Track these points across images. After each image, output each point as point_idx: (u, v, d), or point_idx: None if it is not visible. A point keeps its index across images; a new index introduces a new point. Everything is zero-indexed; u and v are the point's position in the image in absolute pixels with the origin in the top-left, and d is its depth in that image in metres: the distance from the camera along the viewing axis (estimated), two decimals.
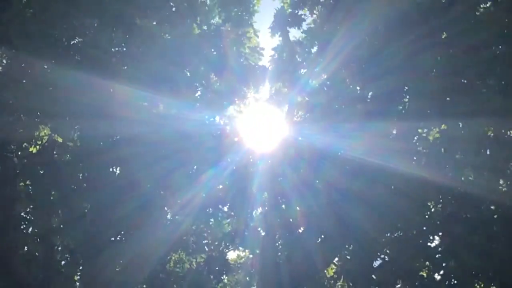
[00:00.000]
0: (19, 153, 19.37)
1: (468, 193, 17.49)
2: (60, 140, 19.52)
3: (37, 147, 19.43)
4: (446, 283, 17.29)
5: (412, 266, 17.72)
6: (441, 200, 18.40)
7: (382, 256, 18.45)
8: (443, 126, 18.57)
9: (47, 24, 17.63)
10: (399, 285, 18.02)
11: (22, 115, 18.42)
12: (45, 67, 18.12)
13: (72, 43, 18.35)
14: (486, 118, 17.47)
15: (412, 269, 17.71)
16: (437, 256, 17.70)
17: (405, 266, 17.71)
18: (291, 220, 19.23)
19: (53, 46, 17.80)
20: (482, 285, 17.16)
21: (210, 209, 20.02)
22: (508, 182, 18.10)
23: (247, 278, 20.46)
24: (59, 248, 18.95)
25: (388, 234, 18.07)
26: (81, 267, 18.95)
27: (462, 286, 17.10)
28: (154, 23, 18.95)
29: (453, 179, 17.80)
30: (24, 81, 18.28)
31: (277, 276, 18.58)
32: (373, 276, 18.14)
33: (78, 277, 19.24)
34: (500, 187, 18.15)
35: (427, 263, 17.80)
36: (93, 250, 18.26)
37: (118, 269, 18.37)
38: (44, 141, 19.52)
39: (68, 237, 19.05)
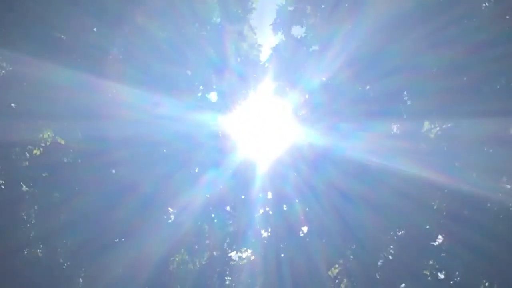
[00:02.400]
0: (23, 155, 19.01)
1: (471, 193, 17.32)
2: (62, 142, 19.09)
3: (41, 149, 18.97)
4: (451, 282, 17.28)
5: (416, 265, 17.66)
6: (444, 200, 18.12)
7: (386, 255, 18.28)
8: (444, 126, 17.82)
9: (49, 25, 17.53)
10: (403, 285, 17.87)
11: (24, 117, 18.15)
12: (47, 68, 17.58)
13: (73, 44, 18.03)
14: (488, 118, 17.24)
15: (416, 268, 17.65)
16: (441, 255, 17.56)
17: (409, 265, 17.67)
18: (293, 221, 18.63)
19: (54, 47, 17.63)
20: (487, 284, 16.97)
21: (212, 209, 19.84)
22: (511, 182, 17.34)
23: (249, 280, 19.67)
24: (62, 251, 18.19)
25: (392, 233, 17.20)
26: (83, 269, 18.10)
27: (466, 286, 17.06)
28: (155, 23, 18.06)
29: (455, 179, 17.27)
30: (25, 83, 18.06)
31: (280, 277, 18.63)
32: (376, 275, 18.05)
33: (81, 279, 18.76)
34: (503, 187, 17.35)
35: (430, 262, 17.68)
36: (95, 251, 18.31)
37: (120, 270, 17.78)
38: (48, 143, 19.06)
39: (71, 239, 18.77)
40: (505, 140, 17.77)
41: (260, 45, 19.80)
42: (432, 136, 18.47)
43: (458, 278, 16.97)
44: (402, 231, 17.82)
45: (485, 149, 17.68)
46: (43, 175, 18.90)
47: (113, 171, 18.74)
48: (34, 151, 18.84)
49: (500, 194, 17.17)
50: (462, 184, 17.28)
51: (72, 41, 17.95)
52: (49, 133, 18.93)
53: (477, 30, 16.45)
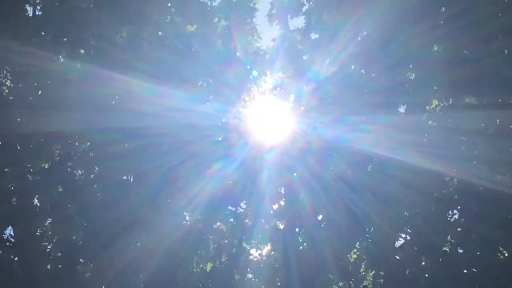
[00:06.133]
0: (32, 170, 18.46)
1: (476, 184, 16.68)
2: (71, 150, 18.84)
3: (49, 163, 18.51)
4: (469, 256, 16.71)
5: (435, 242, 17.14)
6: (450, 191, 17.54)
7: (404, 235, 18.13)
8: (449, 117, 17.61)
9: (57, 18, 17.37)
10: (423, 263, 17.32)
11: (35, 110, 17.50)
12: (55, 61, 17.34)
13: (81, 36, 17.78)
14: (492, 110, 16.91)
15: (434, 245, 17.13)
16: (458, 230, 17.17)
17: (428, 243, 17.16)
18: (305, 212, 18.72)
19: (63, 40, 17.58)
20: (506, 254, 16.51)
21: (226, 205, 19.44)
22: None
23: (271, 273, 19.51)
24: (71, 242, 18.18)
25: (406, 215, 17.57)
26: (92, 260, 18.22)
27: (485, 258, 16.48)
28: (163, 15, 18.48)
29: (461, 170, 16.99)
30: (35, 76, 17.66)
31: (299, 268, 18.20)
32: (396, 256, 17.74)
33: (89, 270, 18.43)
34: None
35: (448, 237, 17.19)
36: (103, 243, 17.60)
37: (129, 263, 17.61)
38: (55, 155, 18.64)
39: (79, 230, 18.18)
40: (506, 129, 17.23)
41: (262, 49, 19.81)
42: (435, 125, 17.88)
43: (478, 252, 16.51)
44: (417, 210, 17.01)
45: (489, 141, 17.03)
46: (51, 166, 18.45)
47: (122, 163, 18.11)
48: (43, 165, 18.39)
49: (501, 183, 16.42)
50: (467, 175, 16.75)
51: (81, 33, 17.70)
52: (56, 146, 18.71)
53: (482, 22, 16.23)
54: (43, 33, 17.25)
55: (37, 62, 17.20)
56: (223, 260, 19.38)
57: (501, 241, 16.29)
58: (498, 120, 17.15)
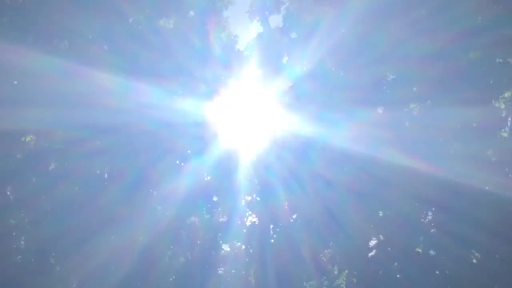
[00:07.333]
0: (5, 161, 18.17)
1: (451, 181, 16.49)
2: (45, 145, 18.44)
3: (23, 154, 18.20)
4: (442, 257, 16.70)
5: (408, 242, 17.07)
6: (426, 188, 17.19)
7: (377, 235, 17.86)
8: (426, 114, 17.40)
9: (34, 13, 17.31)
10: (396, 263, 17.22)
11: (9, 106, 17.00)
12: (31, 57, 16.99)
13: (58, 32, 17.67)
14: (470, 107, 16.74)
15: (407, 245, 17.05)
16: (431, 231, 17.15)
17: (402, 243, 17.08)
18: (280, 208, 18.60)
19: (39, 36, 17.43)
20: (479, 257, 16.43)
21: (200, 200, 19.05)
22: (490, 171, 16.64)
23: (243, 271, 19.25)
24: (45, 238, 17.77)
25: (380, 215, 17.52)
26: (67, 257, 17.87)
27: (458, 260, 16.46)
28: (138, 12, 18.37)
29: (437, 167, 16.72)
30: (11, 71, 17.17)
31: (272, 264, 18.11)
32: (370, 255, 17.58)
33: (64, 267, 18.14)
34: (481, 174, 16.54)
35: (422, 238, 17.08)
36: (78, 239, 17.41)
37: (104, 259, 17.48)
38: (31, 146, 18.35)
39: (54, 226, 17.65)
40: (483, 128, 16.98)
41: (236, 36, 19.57)
42: (413, 124, 17.63)
43: (449, 253, 16.50)
44: (391, 211, 17.04)
45: (466, 140, 16.78)
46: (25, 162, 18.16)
47: (97, 160, 18.15)
48: (18, 156, 18.12)
49: (477, 181, 16.26)
50: (444, 175, 16.50)
51: (57, 30, 17.54)
52: (31, 137, 18.34)
53: (460, 19, 16.25)
54: (16, 27, 16.97)
55: (10, 56, 16.72)
56: (195, 255, 19.17)
57: (475, 242, 16.09)
58: (475, 120, 16.98)
